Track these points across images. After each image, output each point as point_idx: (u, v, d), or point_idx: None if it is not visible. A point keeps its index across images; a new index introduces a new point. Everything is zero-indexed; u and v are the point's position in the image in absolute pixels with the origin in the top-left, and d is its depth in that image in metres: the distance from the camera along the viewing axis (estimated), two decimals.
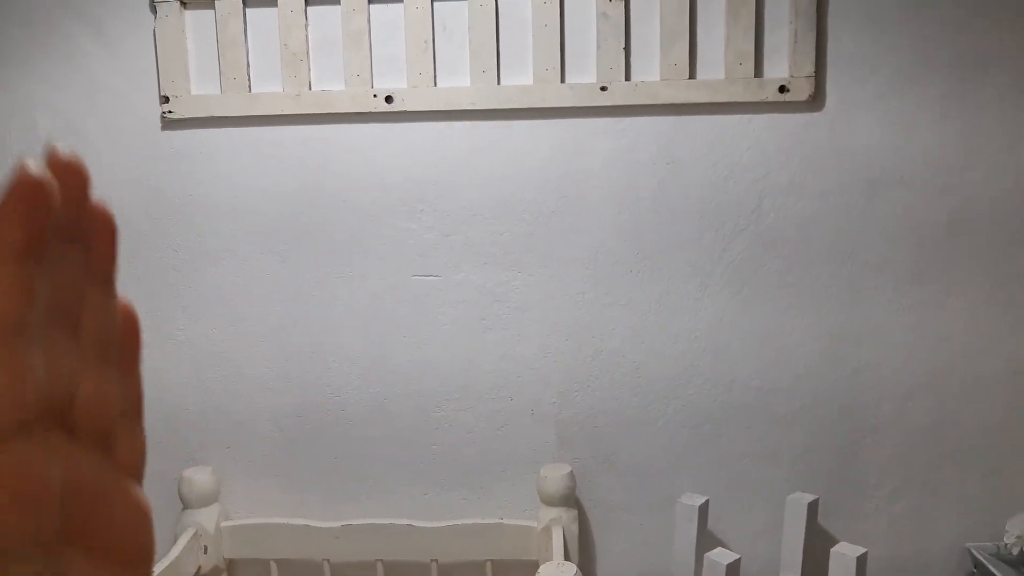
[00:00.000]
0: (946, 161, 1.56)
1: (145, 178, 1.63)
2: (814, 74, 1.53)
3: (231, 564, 1.71)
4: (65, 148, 0.27)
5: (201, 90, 1.60)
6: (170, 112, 1.59)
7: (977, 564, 1.60)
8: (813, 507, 1.57)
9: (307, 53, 1.58)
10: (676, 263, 1.61)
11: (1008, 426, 1.63)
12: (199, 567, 1.62)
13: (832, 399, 1.64)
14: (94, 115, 1.62)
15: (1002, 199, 1.57)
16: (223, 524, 1.66)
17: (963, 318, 1.60)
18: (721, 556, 1.36)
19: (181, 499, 1.64)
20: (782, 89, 1.54)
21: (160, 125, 1.61)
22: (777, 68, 1.55)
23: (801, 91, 1.54)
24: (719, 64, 1.55)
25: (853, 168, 1.57)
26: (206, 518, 1.63)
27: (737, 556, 1.36)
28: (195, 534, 1.61)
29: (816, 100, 1.55)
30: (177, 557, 1.52)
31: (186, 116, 1.59)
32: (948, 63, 1.53)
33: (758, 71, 1.55)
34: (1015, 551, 1.50)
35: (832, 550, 1.38)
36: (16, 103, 1.63)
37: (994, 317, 1.60)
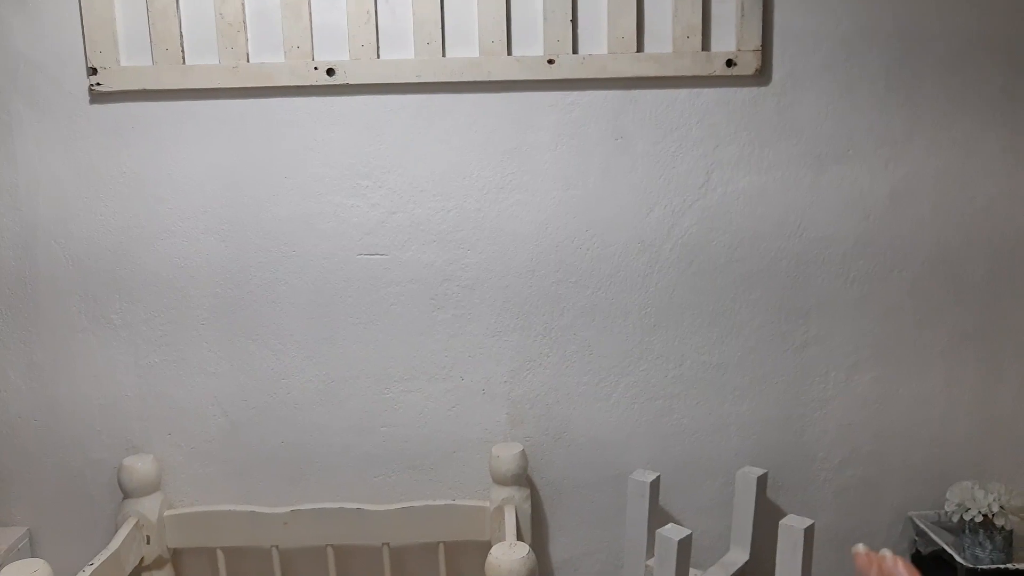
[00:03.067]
0: (890, 134, 1.57)
1: (75, 155, 1.56)
2: (760, 48, 1.53)
3: (176, 554, 1.66)
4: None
5: (131, 62, 1.52)
6: (98, 84, 1.52)
7: (919, 532, 1.63)
8: (762, 481, 1.58)
9: (244, 23, 1.52)
10: (625, 239, 1.60)
11: (949, 396, 1.66)
12: (142, 558, 1.58)
13: (781, 373, 1.65)
14: (17, 89, 1.53)
15: (943, 170, 1.59)
16: (166, 513, 1.61)
17: (906, 289, 1.62)
18: (673, 532, 1.36)
19: (121, 488, 1.58)
20: (729, 63, 1.53)
21: (88, 99, 1.54)
22: (724, 42, 1.54)
23: (748, 65, 1.53)
24: (667, 38, 1.54)
25: (799, 142, 1.57)
26: (148, 507, 1.58)
27: (689, 531, 1.37)
28: (137, 524, 1.55)
29: (763, 74, 1.55)
30: (118, 548, 1.47)
31: (116, 89, 1.52)
32: (889, 34, 1.54)
33: (705, 45, 1.54)
34: (955, 519, 1.54)
35: (780, 523, 1.39)
36: None
37: (936, 288, 1.62)
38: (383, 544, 1.62)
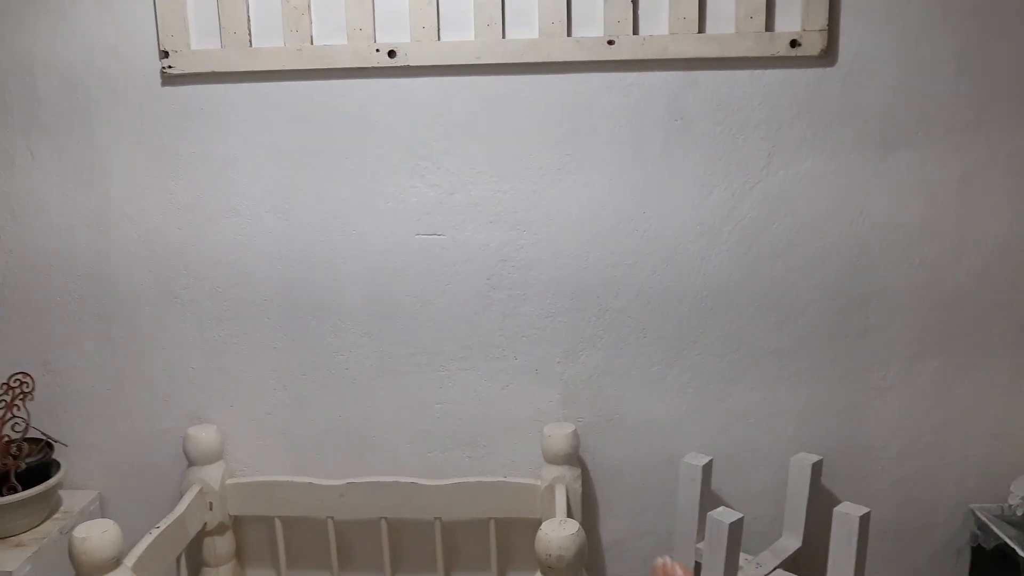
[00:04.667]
0: (961, 117, 1.52)
1: (146, 134, 1.61)
2: (827, 28, 1.50)
3: (236, 521, 1.72)
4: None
5: (201, 45, 1.57)
6: (170, 67, 1.57)
7: (981, 525, 1.59)
8: (817, 467, 1.57)
9: (308, 7, 1.54)
10: (683, 221, 1.59)
11: (1014, 388, 1.61)
12: (205, 523, 1.64)
13: (839, 360, 1.62)
14: (92, 71, 1.59)
15: (1016, 155, 1.53)
16: (228, 481, 1.67)
17: (973, 277, 1.58)
18: (724, 515, 1.36)
19: (186, 456, 1.64)
20: (794, 43, 1.50)
21: (160, 81, 1.59)
22: (789, 22, 1.51)
23: (813, 45, 1.50)
24: (729, 18, 1.51)
25: (865, 125, 1.53)
26: (211, 475, 1.64)
27: (740, 515, 1.36)
28: (200, 491, 1.62)
29: (828, 55, 1.51)
30: (183, 513, 1.53)
31: (186, 71, 1.57)
32: (964, 16, 1.49)
33: (769, 25, 1.51)
34: (1019, 512, 1.50)
35: (835, 509, 1.38)
36: (14, 61, 1.60)
37: (1006, 276, 1.57)
38: (435, 518, 1.65)
